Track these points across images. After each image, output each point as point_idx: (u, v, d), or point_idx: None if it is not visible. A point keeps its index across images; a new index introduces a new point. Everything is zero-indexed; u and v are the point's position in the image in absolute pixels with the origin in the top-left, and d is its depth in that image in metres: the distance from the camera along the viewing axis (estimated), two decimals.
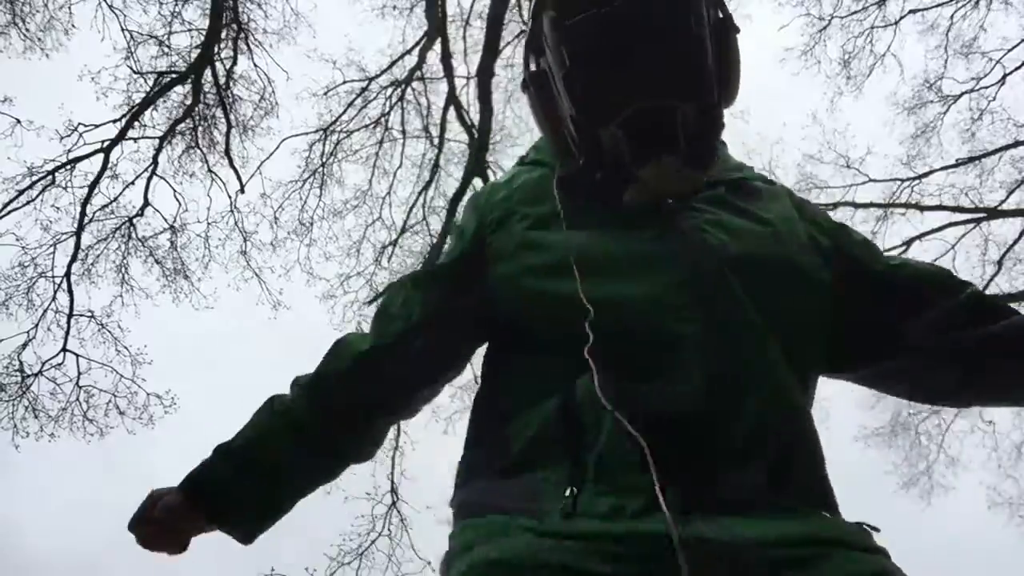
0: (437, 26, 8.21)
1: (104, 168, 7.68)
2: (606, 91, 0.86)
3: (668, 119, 0.85)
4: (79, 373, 7.70)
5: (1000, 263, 8.34)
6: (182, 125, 8.01)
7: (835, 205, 9.03)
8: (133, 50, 7.62)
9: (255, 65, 8.04)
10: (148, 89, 7.79)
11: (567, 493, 0.70)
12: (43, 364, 7.59)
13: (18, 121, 7.22)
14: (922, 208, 8.69)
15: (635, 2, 0.84)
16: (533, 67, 0.97)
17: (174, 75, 7.85)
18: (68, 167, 7.56)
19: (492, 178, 8.47)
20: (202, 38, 7.76)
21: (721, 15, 0.95)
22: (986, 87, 8.33)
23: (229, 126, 8.12)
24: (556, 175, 0.92)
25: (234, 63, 8.02)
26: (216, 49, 7.83)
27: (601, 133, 0.87)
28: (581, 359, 0.72)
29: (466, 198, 8.36)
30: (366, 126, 8.63)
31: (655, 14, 0.84)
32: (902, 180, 8.73)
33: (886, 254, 1.01)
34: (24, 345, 7.56)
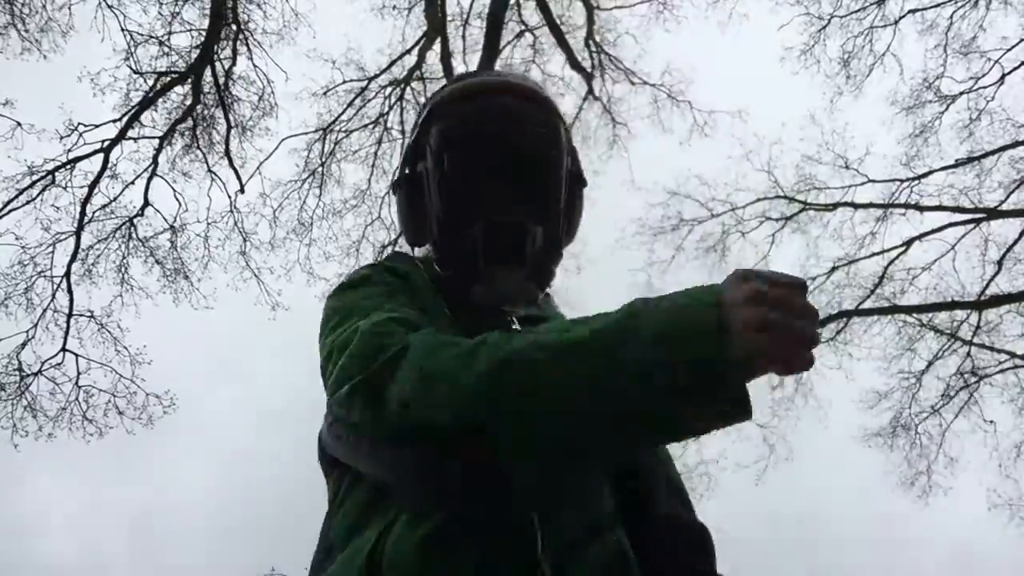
0: (436, 26, 8.21)
1: (104, 168, 7.70)
2: (474, 199, 0.98)
3: (520, 236, 0.98)
4: (79, 373, 7.72)
5: (1000, 263, 8.35)
6: (182, 125, 8.02)
7: (835, 206, 9.05)
8: (133, 50, 7.63)
9: (254, 65, 8.06)
10: (148, 89, 7.80)
11: None
12: (42, 364, 7.60)
13: (19, 124, 7.23)
14: (922, 208, 8.69)
15: (511, 132, 0.98)
16: (408, 171, 1.08)
17: (174, 75, 7.85)
18: (68, 167, 7.56)
19: None
20: (202, 38, 7.76)
21: (574, 164, 1.09)
22: (985, 87, 8.35)
23: (229, 126, 8.13)
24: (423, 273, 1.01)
25: (233, 63, 8.03)
26: (216, 49, 7.83)
27: (463, 234, 0.98)
28: None
29: None
30: (365, 126, 8.64)
31: (525, 146, 0.98)
32: (901, 180, 8.74)
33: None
34: (23, 345, 7.57)
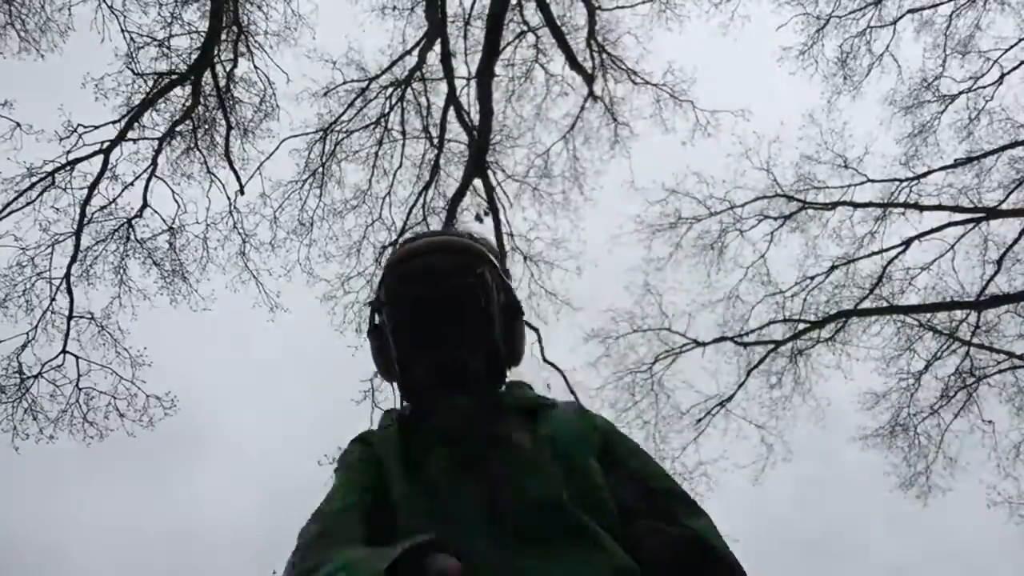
0: (437, 26, 8.21)
1: (103, 169, 7.69)
2: (418, 342, 1.19)
3: (460, 370, 1.17)
4: (79, 375, 7.71)
5: (1000, 263, 8.36)
6: (182, 126, 8.01)
7: (834, 205, 9.06)
8: (133, 52, 7.63)
9: (255, 67, 8.06)
10: (148, 91, 7.79)
11: None
12: (43, 366, 7.59)
13: (18, 125, 7.22)
14: (921, 208, 8.71)
15: (431, 288, 1.18)
16: (375, 320, 1.29)
17: (174, 77, 7.84)
18: (67, 168, 7.55)
19: (491, 179, 8.49)
20: (202, 40, 7.75)
21: (507, 297, 1.26)
22: (983, 87, 8.37)
23: (229, 128, 8.13)
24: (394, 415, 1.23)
25: (234, 65, 8.03)
26: (216, 51, 7.83)
27: (416, 369, 1.20)
28: None
29: (466, 202, 8.37)
30: (366, 126, 8.64)
31: (447, 296, 1.18)
32: (900, 180, 8.75)
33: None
34: (23, 346, 7.56)
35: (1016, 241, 8.32)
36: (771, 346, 9.26)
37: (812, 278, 9.15)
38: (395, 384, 1.29)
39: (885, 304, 9.00)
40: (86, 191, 7.64)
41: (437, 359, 1.17)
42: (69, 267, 7.67)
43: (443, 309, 1.17)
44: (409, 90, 8.53)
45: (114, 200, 7.82)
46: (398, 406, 1.29)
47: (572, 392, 8.41)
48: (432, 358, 1.18)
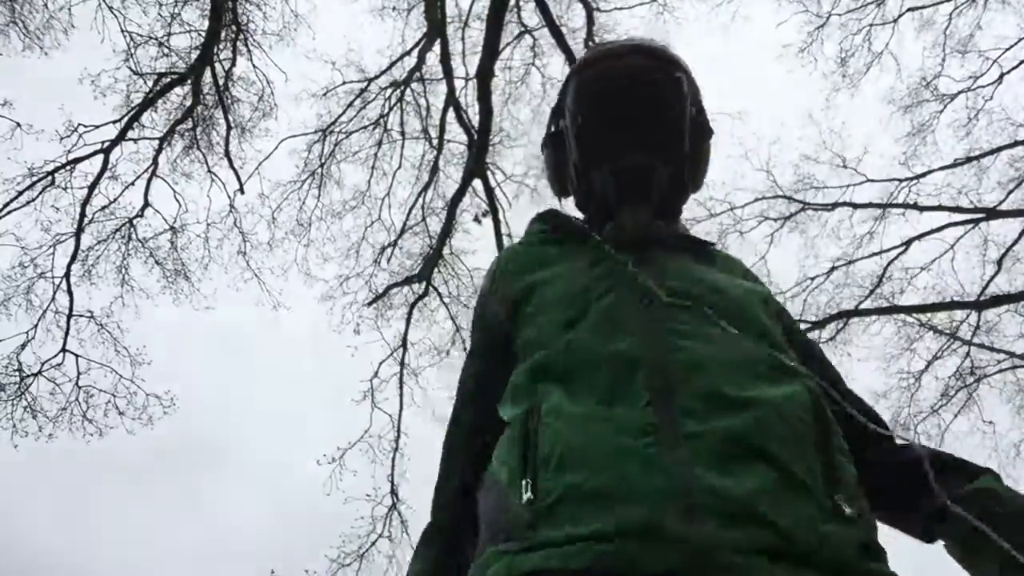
0: (436, 27, 8.21)
1: (104, 169, 7.70)
2: (604, 144, 1.10)
3: (647, 177, 1.09)
4: (79, 373, 7.72)
5: (999, 263, 8.35)
6: (182, 126, 8.02)
7: (833, 205, 9.06)
8: (133, 51, 7.64)
9: (254, 67, 8.06)
10: (148, 90, 7.80)
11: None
12: (42, 364, 7.61)
13: (18, 125, 7.23)
14: (921, 208, 8.70)
15: (635, 85, 1.08)
16: (553, 128, 1.21)
17: (174, 76, 7.85)
18: (68, 168, 7.57)
19: (491, 180, 8.48)
20: (201, 39, 7.76)
21: (699, 115, 1.17)
22: (983, 86, 8.36)
23: (228, 127, 8.14)
24: (551, 217, 1.14)
25: (233, 64, 8.04)
26: (215, 50, 7.84)
27: (594, 176, 1.11)
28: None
29: (465, 203, 8.37)
30: (365, 127, 8.65)
31: (648, 97, 1.09)
32: (900, 180, 8.75)
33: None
34: (23, 345, 7.58)
35: (1016, 241, 8.31)
36: None
37: (812, 278, 9.15)
38: (570, 199, 1.20)
39: (885, 304, 8.99)
40: (86, 191, 7.66)
41: (621, 164, 1.09)
42: (69, 266, 7.68)
43: (635, 111, 1.08)
44: (408, 91, 8.54)
45: (115, 200, 7.84)
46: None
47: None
48: (616, 163, 1.09)
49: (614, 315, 0.90)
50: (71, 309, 7.70)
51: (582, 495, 0.72)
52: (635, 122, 1.08)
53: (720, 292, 0.95)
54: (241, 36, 7.97)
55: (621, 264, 0.97)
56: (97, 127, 7.60)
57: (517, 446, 0.82)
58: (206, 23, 7.76)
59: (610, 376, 0.82)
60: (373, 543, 7.62)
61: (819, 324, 9.16)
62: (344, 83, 8.48)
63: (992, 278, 8.42)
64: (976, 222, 8.52)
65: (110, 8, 7.46)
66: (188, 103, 7.98)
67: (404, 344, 8.41)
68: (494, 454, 0.87)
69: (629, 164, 1.09)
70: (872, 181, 8.85)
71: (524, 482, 0.76)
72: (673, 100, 1.09)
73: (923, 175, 8.68)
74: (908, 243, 8.77)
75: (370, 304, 8.55)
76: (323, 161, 8.58)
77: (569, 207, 1.21)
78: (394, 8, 8.50)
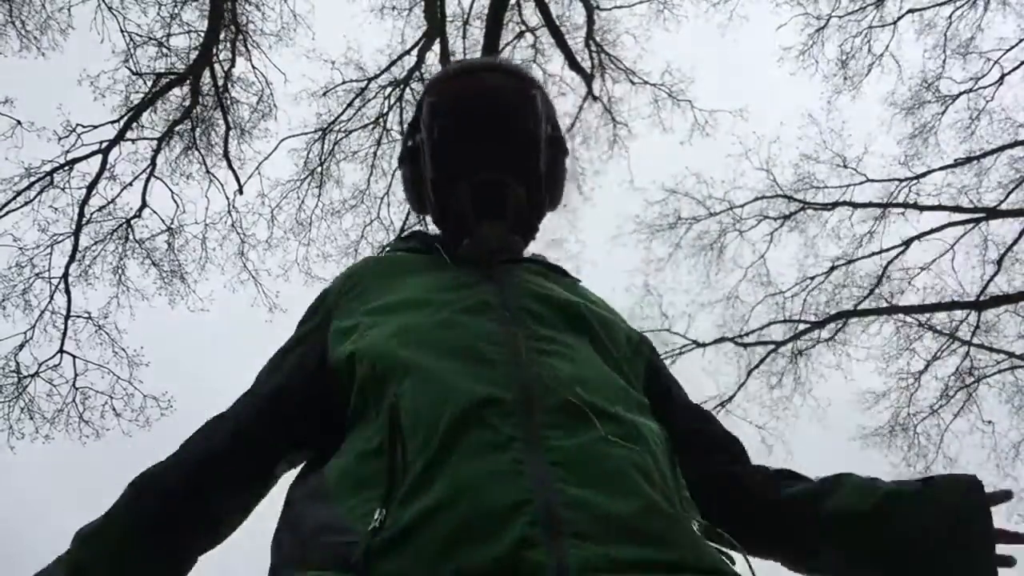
0: (436, 26, 8.20)
1: (102, 169, 7.68)
2: (459, 160, 1.09)
3: (502, 193, 1.08)
4: (76, 374, 7.69)
5: (999, 263, 8.35)
6: (180, 127, 8.00)
7: (833, 205, 9.05)
8: (132, 51, 7.62)
9: (253, 67, 8.05)
10: (147, 90, 7.79)
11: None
12: (40, 365, 7.58)
13: (18, 123, 7.21)
14: (921, 208, 8.70)
15: (488, 102, 1.09)
16: (410, 143, 1.19)
17: (173, 76, 7.84)
18: (66, 168, 7.55)
19: None
20: (201, 40, 7.74)
21: (555, 133, 1.18)
22: (984, 87, 8.36)
23: (227, 127, 8.12)
24: (408, 233, 1.17)
25: (232, 64, 8.02)
26: (215, 51, 7.82)
27: (450, 192, 1.10)
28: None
29: None
30: (365, 126, 8.63)
31: (501, 113, 1.09)
32: (900, 180, 8.74)
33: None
34: (21, 346, 7.55)
35: (1016, 241, 8.32)
36: (771, 347, 9.26)
37: (812, 278, 9.15)
38: (427, 217, 1.20)
39: (885, 304, 8.99)
40: (85, 191, 7.64)
41: (477, 180, 1.08)
42: (67, 267, 7.67)
43: (490, 127, 1.08)
44: (408, 90, 8.52)
45: (113, 200, 7.82)
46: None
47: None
48: (471, 178, 1.08)
49: (471, 329, 0.87)
50: (69, 310, 7.68)
51: (437, 523, 0.67)
52: (490, 138, 1.08)
53: (572, 308, 0.96)
54: (240, 36, 7.95)
55: (476, 279, 0.97)
56: (96, 127, 7.59)
57: (378, 458, 0.75)
58: (205, 23, 7.75)
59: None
60: None
61: (819, 324, 9.16)
62: (344, 82, 8.47)
63: (992, 278, 8.42)
64: (976, 222, 8.52)
65: (109, 8, 7.45)
66: (187, 103, 7.96)
67: None
68: (336, 459, 0.81)
69: (484, 179, 1.08)
70: (872, 181, 8.86)
71: (379, 507, 0.69)
72: (528, 117, 1.10)
73: (923, 175, 8.68)
74: (908, 243, 8.77)
75: None
76: (322, 160, 8.57)
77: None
78: (394, 7, 8.49)
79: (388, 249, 1.19)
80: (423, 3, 8.29)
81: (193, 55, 7.77)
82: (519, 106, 1.10)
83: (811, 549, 0.93)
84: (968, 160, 8.43)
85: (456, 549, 0.64)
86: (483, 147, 1.08)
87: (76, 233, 7.67)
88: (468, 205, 1.08)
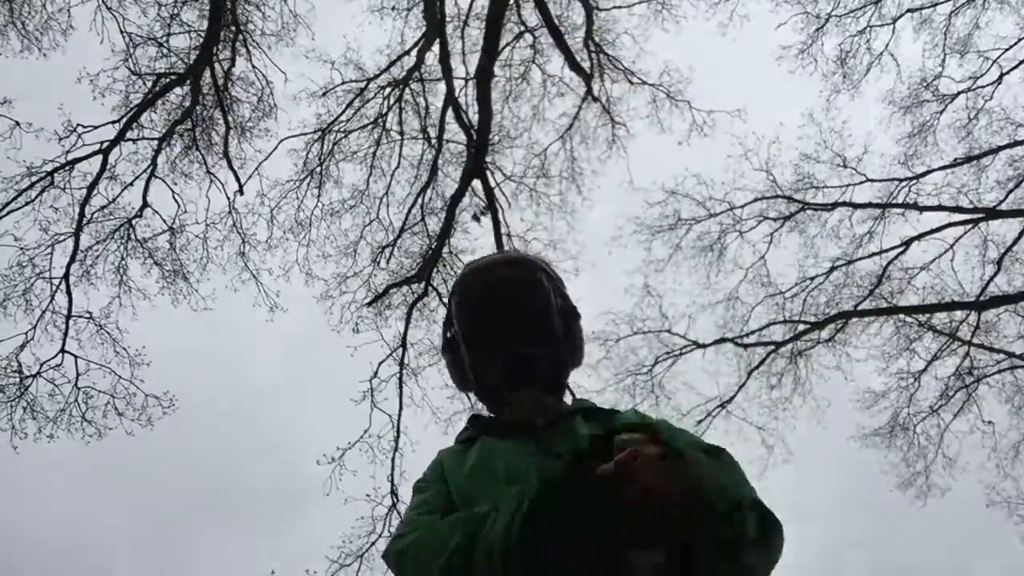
0: (435, 27, 8.21)
1: (103, 169, 7.68)
2: (490, 343, 1.33)
3: (531, 364, 1.30)
4: (78, 374, 7.71)
5: (999, 263, 8.35)
6: (181, 126, 8.01)
7: (833, 205, 9.05)
8: (132, 52, 7.63)
9: (253, 67, 8.06)
10: (147, 90, 7.79)
11: None
12: (41, 365, 7.59)
13: (17, 123, 7.22)
14: (920, 208, 8.70)
15: (501, 293, 1.33)
16: (448, 335, 1.44)
17: (173, 76, 7.85)
18: (67, 168, 7.55)
19: (490, 179, 8.48)
20: (201, 40, 7.75)
21: (564, 302, 1.40)
22: (983, 86, 8.36)
23: (227, 127, 8.13)
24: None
25: (232, 64, 8.03)
26: (215, 51, 7.83)
27: (488, 374, 1.34)
28: None
29: (464, 202, 8.37)
30: (364, 126, 8.64)
31: (514, 298, 1.33)
32: (900, 180, 8.74)
33: None
34: (22, 346, 7.56)
35: (1016, 241, 8.32)
36: (771, 347, 9.26)
37: (812, 279, 9.15)
38: (472, 393, 1.43)
39: (885, 304, 8.99)
40: (85, 191, 7.65)
41: (506, 357, 1.29)
42: (68, 267, 7.68)
43: (510, 312, 1.32)
44: (407, 90, 8.53)
45: (114, 200, 7.83)
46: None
47: (571, 392, 8.41)
48: (502, 357, 1.30)
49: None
50: (70, 310, 7.69)
51: None
52: (510, 322, 1.31)
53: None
54: (240, 36, 7.96)
55: (529, 446, 1.16)
56: (96, 127, 7.59)
57: None
58: (205, 23, 7.75)
59: None
60: (373, 543, 7.61)
61: (819, 324, 9.16)
62: (343, 83, 8.47)
63: (992, 278, 8.43)
64: (976, 222, 8.52)
65: (109, 8, 7.46)
66: (187, 104, 7.97)
67: (403, 344, 8.40)
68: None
69: (514, 356, 1.30)
70: (872, 181, 8.86)
71: None
72: (539, 297, 1.34)
73: (923, 175, 8.68)
74: (908, 243, 8.77)
75: (369, 304, 8.54)
76: (322, 160, 8.57)
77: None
78: (393, 8, 8.50)
79: (459, 436, 1.37)
80: (422, 3, 8.30)
81: (193, 55, 7.78)
82: (529, 291, 1.33)
83: None
84: (967, 160, 8.44)
85: None
86: (506, 329, 1.31)
87: (77, 233, 7.68)
88: (500, 381, 1.31)
